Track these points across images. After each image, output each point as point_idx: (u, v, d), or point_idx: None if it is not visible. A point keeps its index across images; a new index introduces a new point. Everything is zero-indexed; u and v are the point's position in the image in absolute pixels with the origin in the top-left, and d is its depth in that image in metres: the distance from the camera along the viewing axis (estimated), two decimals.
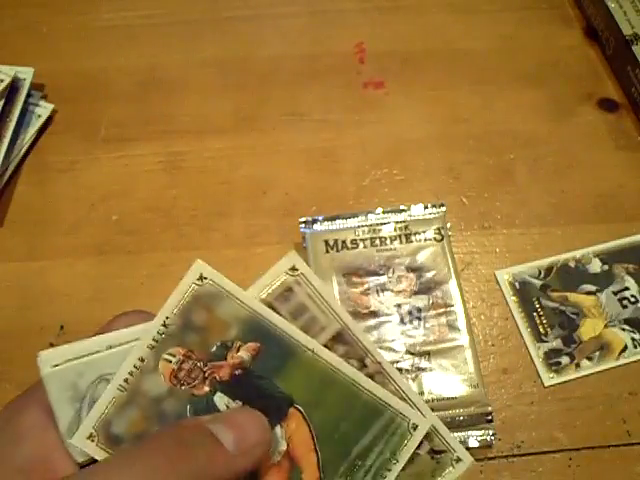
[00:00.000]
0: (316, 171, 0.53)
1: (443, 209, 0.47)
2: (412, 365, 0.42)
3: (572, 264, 0.48)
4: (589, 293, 0.46)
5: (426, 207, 0.47)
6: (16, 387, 0.43)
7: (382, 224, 0.46)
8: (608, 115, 0.56)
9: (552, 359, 0.44)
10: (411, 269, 0.45)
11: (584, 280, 0.47)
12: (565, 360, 0.44)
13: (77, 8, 0.62)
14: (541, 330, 0.45)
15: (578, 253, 0.48)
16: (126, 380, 0.22)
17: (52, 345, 0.45)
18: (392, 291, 0.44)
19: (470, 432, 0.40)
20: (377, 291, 0.44)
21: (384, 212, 0.47)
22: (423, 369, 0.41)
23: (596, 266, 0.48)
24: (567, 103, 0.56)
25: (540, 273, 0.47)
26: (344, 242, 0.46)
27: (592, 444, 0.41)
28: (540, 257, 0.48)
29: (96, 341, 0.23)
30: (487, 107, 0.56)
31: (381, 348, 0.42)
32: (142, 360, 0.22)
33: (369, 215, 0.47)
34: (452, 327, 0.43)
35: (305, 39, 0.60)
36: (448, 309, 0.43)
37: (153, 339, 0.23)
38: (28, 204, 0.51)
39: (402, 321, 0.43)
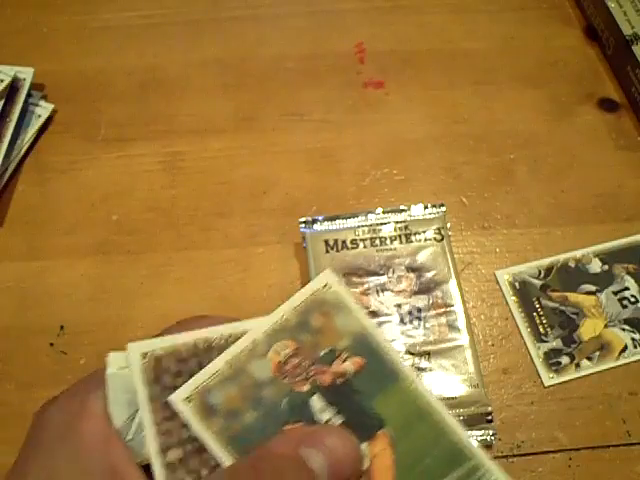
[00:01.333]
0: (316, 171, 0.53)
1: (443, 209, 0.47)
2: (412, 365, 0.42)
3: (572, 264, 0.48)
4: (589, 293, 0.46)
5: (426, 207, 0.47)
6: (16, 387, 0.43)
7: (382, 224, 0.46)
8: (608, 115, 0.56)
9: (552, 359, 0.44)
10: (411, 269, 0.45)
11: (584, 280, 0.47)
12: (565, 360, 0.44)
13: (77, 8, 0.62)
14: (541, 330, 0.45)
15: (578, 253, 0.48)
16: (235, 357, 0.23)
17: (52, 345, 0.45)
18: (392, 291, 0.44)
19: (470, 432, 0.40)
20: (377, 291, 0.44)
21: (384, 212, 0.47)
22: (423, 369, 0.41)
23: (596, 266, 0.48)
24: (567, 103, 0.56)
25: (540, 273, 0.47)
26: (344, 242, 0.46)
27: (592, 444, 0.41)
28: (540, 257, 0.48)
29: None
30: (487, 107, 0.56)
31: None
32: (255, 343, 0.23)
33: (369, 215, 0.47)
34: (452, 327, 0.43)
35: (305, 39, 0.60)
36: (448, 309, 0.43)
37: (271, 328, 0.23)
38: (28, 204, 0.51)
39: (402, 321, 0.43)
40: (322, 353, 0.23)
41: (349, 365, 0.23)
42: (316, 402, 0.23)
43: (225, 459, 0.22)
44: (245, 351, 0.23)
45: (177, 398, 0.22)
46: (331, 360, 0.24)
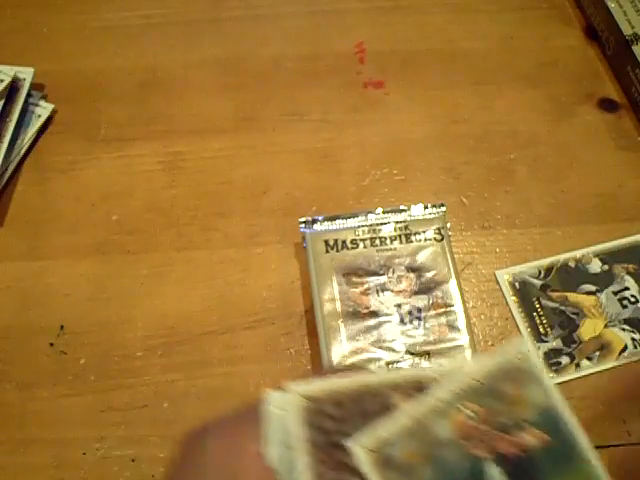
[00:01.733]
0: (316, 171, 0.53)
1: (443, 209, 0.47)
2: (412, 365, 0.41)
3: (572, 264, 0.48)
4: (589, 293, 0.46)
5: (426, 207, 0.47)
6: (16, 387, 0.43)
7: (382, 224, 0.46)
8: (608, 115, 0.56)
9: (552, 359, 0.44)
10: (411, 269, 0.45)
11: (584, 280, 0.47)
12: (565, 360, 0.44)
13: (77, 8, 0.62)
14: (541, 330, 0.45)
15: (578, 253, 0.48)
16: (421, 413, 0.22)
17: (52, 345, 0.45)
18: (392, 291, 0.44)
19: None
20: (377, 291, 0.44)
21: (384, 212, 0.47)
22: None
23: (596, 266, 0.48)
24: (567, 103, 0.56)
25: (540, 273, 0.47)
26: (344, 242, 0.46)
27: (592, 444, 0.41)
28: (540, 257, 0.48)
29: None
30: (487, 107, 0.56)
31: (381, 348, 0.42)
32: (441, 402, 0.23)
33: (369, 215, 0.47)
34: (452, 327, 0.43)
35: (305, 39, 0.60)
36: (448, 309, 0.43)
37: (459, 388, 0.23)
38: (28, 204, 0.51)
39: (402, 321, 0.43)
40: (507, 422, 0.23)
41: (532, 439, 0.23)
42: (493, 470, 0.23)
43: None
44: (431, 408, 0.23)
45: (357, 445, 0.22)
46: (515, 430, 0.23)
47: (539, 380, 0.24)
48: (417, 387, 0.23)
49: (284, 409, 0.23)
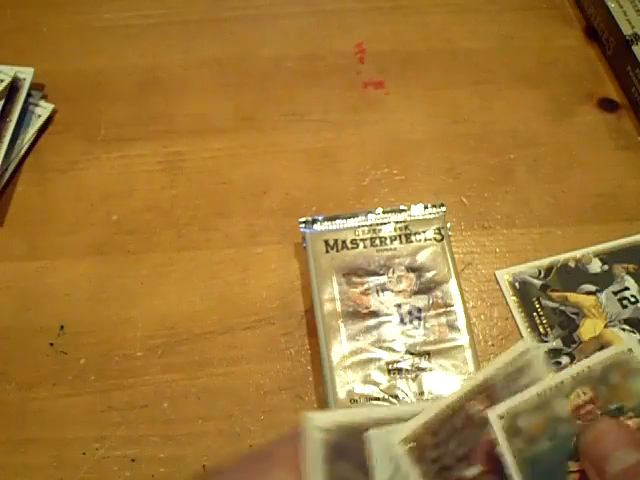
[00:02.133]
0: (316, 171, 0.53)
1: (443, 209, 0.47)
2: (412, 365, 0.42)
3: (572, 264, 0.48)
4: (589, 293, 0.46)
5: (426, 207, 0.47)
6: (16, 387, 0.43)
7: (382, 224, 0.46)
8: (608, 115, 0.56)
9: (552, 359, 0.44)
10: (411, 269, 0.45)
11: (584, 280, 0.47)
12: (565, 360, 0.44)
13: (77, 8, 0.62)
14: (541, 330, 0.45)
15: (578, 253, 0.48)
16: (544, 391, 0.25)
17: (52, 345, 0.45)
18: (392, 291, 0.44)
19: None
20: (377, 291, 0.44)
21: (384, 212, 0.47)
22: (423, 369, 0.41)
23: (596, 266, 0.48)
24: (567, 103, 0.56)
25: (540, 273, 0.47)
26: (344, 242, 0.46)
27: None
28: (540, 257, 0.48)
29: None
30: (487, 107, 0.56)
31: (381, 348, 0.42)
32: (563, 383, 0.26)
33: (369, 215, 0.47)
34: (452, 327, 0.43)
35: (305, 39, 0.60)
36: (448, 309, 0.43)
37: (576, 373, 0.26)
38: (28, 204, 0.51)
39: (402, 321, 0.43)
40: (612, 407, 0.25)
41: (633, 423, 0.25)
42: None
43: (516, 476, 0.24)
44: (553, 388, 0.25)
45: (493, 413, 0.25)
46: (618, 415, 0.25)
47: None
48: (483, 390, 0.26)
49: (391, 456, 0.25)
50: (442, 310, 0.43)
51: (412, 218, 0.47)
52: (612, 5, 0.58)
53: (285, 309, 0.46)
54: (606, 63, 0.59)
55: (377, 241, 0.46)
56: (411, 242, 0.46)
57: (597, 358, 0.26)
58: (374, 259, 0.45)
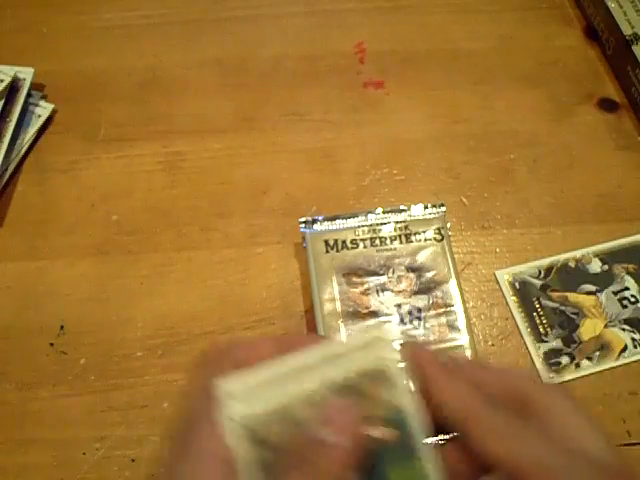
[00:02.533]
0: (316, 171, 0.53)
1: (443, 209, 0.47)
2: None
3: (572, 264, 0.48)
4: (589, 293, 0.46)
5: (426, 207, 0.47)
6: (16, 387, 0.43)
7: (382, 224, 0.46)
8: (608, 115, 0.56)
9: (552, 359, 0.44)
10: (411, 269, 0.45)
11: (584, 280, 0.47)
12: (565, 360, 0.44)
13: (77, 8, 0.62)
14: (541, 330, 0.45)
15: (578, 253, 0.48)
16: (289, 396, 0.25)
17: (52, 345, 0.45)
18: (392, 291, 0.44)
19: None
20: (377, 291, 0.44)
21: (384, 212, 0.47)
22: None
23: (596, 266, 0.48)
24: (567, 103, 0.56)
25: (540, 273, 0.47)
26: (344, 242, 0.46)
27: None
28: (540, 257, 0.48)
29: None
30: (487, 107, 0.56)
31: None
32: (311, 391, 0.25)
33: (369, 215, 0.47)
34: (452, 327, 0.43)
35: (305, 39, 0.60)
36: (448, 309, 0.43)
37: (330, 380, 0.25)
38: (28, 204, 0.51)
39: (402, 321, 0.43)
40: (366, 415, 0.25)
41: (378, 432, 0.25)
42: None
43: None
44: (303, 394, 0.25)
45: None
46: (371, 424, 0.25)
47: (395, 384, 0.26)
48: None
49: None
50: (442, 310, 0.43)
51: (412, 218, 0.47)
52: (612, 5, 0.58)
53: (285, 309, 0.46)
54: (606, 63, 0.59)
55: (377, 241, 0.46)
56: (411, 242, 0.46)
57: (349, 365, 0.26)
58: (374, 259, 0.45)
